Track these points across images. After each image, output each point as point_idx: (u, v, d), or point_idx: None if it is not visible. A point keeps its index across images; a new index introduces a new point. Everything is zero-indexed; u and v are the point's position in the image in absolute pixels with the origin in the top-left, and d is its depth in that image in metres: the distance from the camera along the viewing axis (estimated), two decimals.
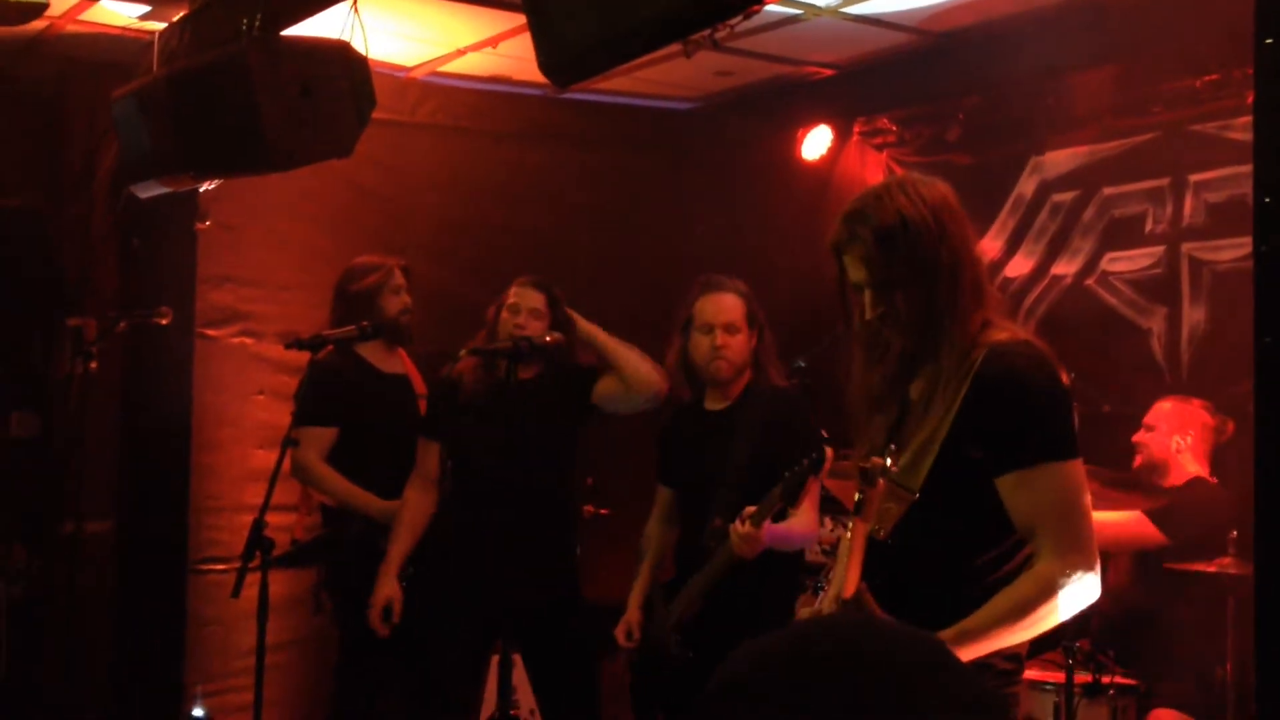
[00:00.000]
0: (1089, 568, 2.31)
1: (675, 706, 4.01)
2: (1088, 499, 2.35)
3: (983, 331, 2.42)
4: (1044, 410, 2.35)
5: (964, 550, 2.37)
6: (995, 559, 2.38)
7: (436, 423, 4.49)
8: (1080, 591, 2.31)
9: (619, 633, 4.11)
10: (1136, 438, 4.54)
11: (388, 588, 4.32)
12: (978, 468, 2.35)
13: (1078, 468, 2.36)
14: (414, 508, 4.46)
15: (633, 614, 4.10)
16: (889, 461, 2.35)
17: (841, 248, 2.45)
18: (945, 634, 2.28)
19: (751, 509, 3.65)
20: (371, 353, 4.75)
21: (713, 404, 4.04)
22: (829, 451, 3.61)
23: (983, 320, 2.44)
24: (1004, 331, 2.43)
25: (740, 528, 3.64)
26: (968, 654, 2.28)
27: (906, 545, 2.41)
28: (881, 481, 2.36)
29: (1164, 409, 4.53)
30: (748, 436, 3.89)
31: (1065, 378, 2.43)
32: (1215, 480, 4.48)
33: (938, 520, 2.39)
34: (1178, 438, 4.48)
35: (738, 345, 3.96)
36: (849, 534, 2.35)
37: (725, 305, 3.98)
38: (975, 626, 2.30)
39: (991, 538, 2.37)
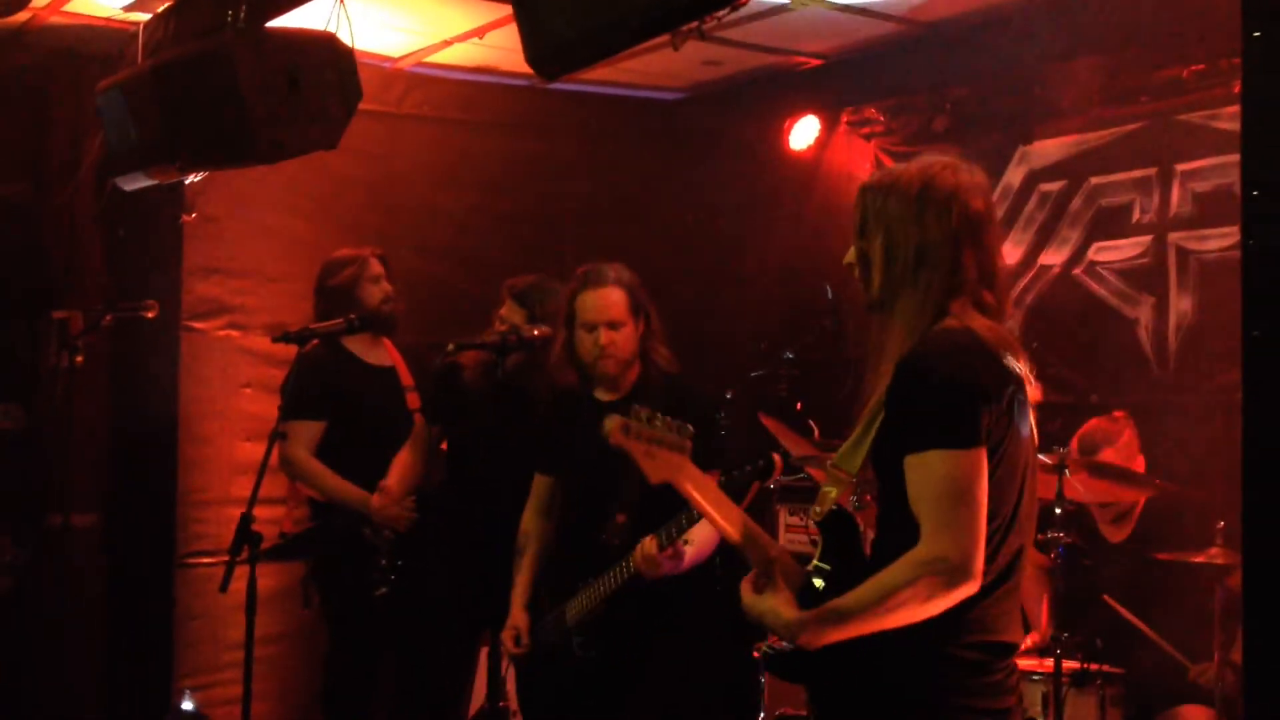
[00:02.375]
0: (960, 558, 2.28)
1: (578, 708, 3.87)
2: (976, 491, 2.31)
3: (939, 320, 2.42)
4: (937, 396, 2.33)
5: (901, 533, 2.36)
6: None
7: (435, 408, 4.48)
8: (943, 580, 2.28)
9: (506, 639, 3.88)
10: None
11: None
12: (895, 451, 2.37)
13: (969, 458, 2.31)
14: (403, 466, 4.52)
15: (519, 617, 3.90)
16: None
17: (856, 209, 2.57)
18: (816, 611, 2.32)
19: (652, 541, 3.53)
20: (358, 345, 4.75)
21: (604, 395, 3.88)
22: (777, 460, 3.43)
23: (955, 312, 2.43)
24: (956, 320, 2.42)
25: (649, 549, 3.53)
26: (835, 633, 2.31)
27: (876, 529, 2.44)
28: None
29: (1109, 458, 4.43)
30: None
31: (1011, 368, 2.39)
32: (1159, 481, 4.46)
33: (882, 504, 2.43)
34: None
35: (623, 340, 3.81)
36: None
37: (608, 302, 3.81)
38: (839, 606, 2.33)
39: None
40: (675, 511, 3.58)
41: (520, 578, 3.96)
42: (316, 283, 4.80)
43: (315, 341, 4.45)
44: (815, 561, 2.51)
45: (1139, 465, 4.49)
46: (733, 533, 2.44)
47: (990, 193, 2.56)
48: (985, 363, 2.37)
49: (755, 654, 5.11)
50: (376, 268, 4.80)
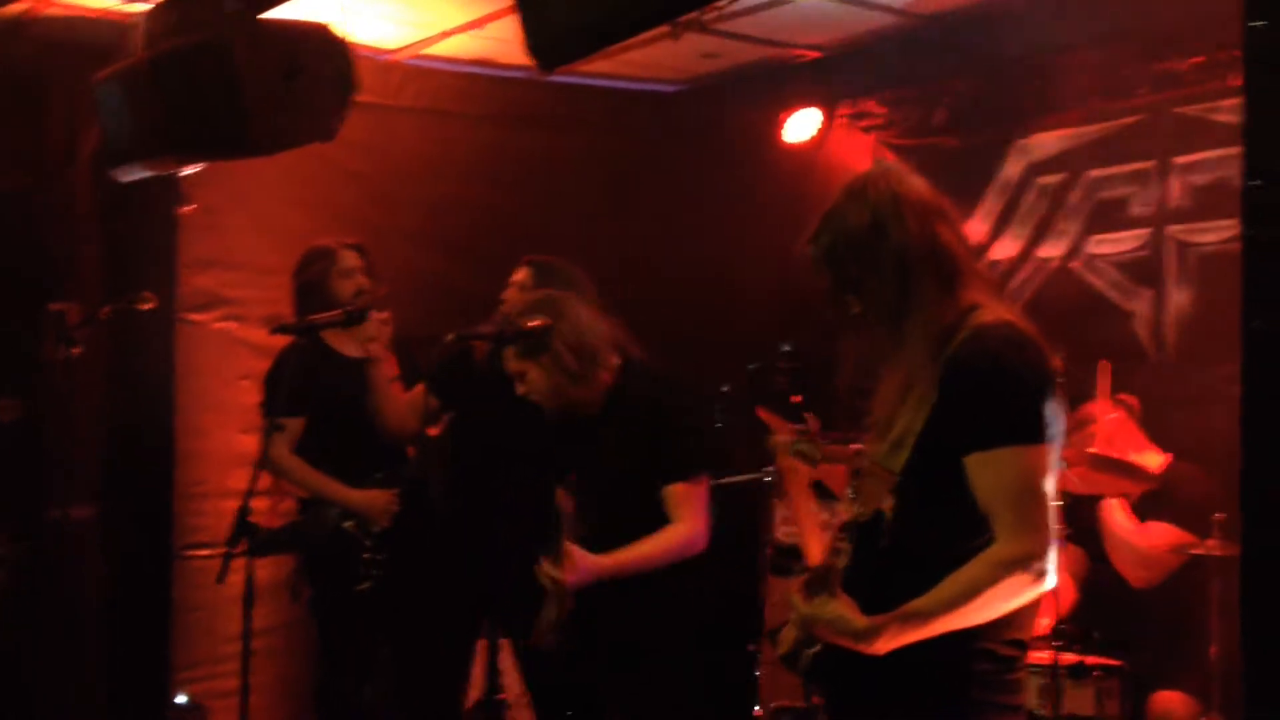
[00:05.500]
0: (1041, 555, 2.29)
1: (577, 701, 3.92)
2: (1048, 485, 2.33)
3: (969, 314, 2.42)
4: (1007, 392, 2.34)
5: (951, 535, 2.36)
6: (986, 544, 2.35)
7: (439, 383, 4.46)
8: (1031, 578, 2.29)
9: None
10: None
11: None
12: (952, 450, 2.35)
13: (1040, 453, 2.32)
14: None
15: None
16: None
17: (811, 262, 2.57)
18: (889, 615, 2.29)
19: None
20: (336, 338, 4.70)
21: (583, 412, 3.85)
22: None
23: (969, 303, 2.44)
24: (990, 314, 2.42)
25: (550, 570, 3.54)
26: (912, 636, 2.29)
27: (893, 529, 2.42)
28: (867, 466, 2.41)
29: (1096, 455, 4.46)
30: (618, 430, 3.70)
31: (1054, 361, 2.42)
32: (1171, 455, 4.48)
33: (922, 504, 2.40)
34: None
35: (532, 386, 3.75)
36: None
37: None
38: (920, 609, 2.30)
39: (980, 522, 2.35)
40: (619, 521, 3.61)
41: None
42: (292, 275, 4.77)
43: (290, 337, 4.42)
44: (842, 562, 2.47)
45: (1150, 447, 4.48)
46: (818, 555, 2.42)
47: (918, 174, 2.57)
48: (1038, 356, 2.38)
49: (750, 647, 5.12)
50: (348, 260, 4.73)
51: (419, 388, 4.58)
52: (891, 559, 2.42)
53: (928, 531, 2.39)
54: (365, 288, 4.71)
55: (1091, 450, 4.40)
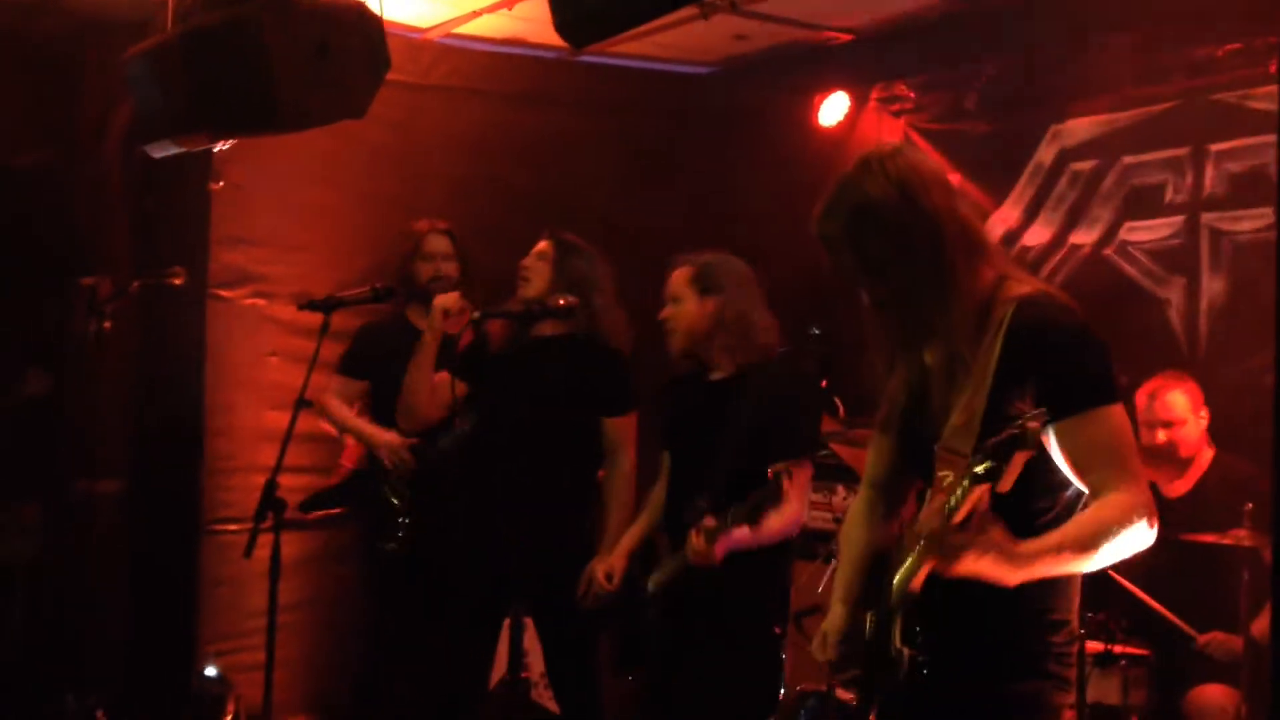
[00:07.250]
0: (1151, 510, 2.29)
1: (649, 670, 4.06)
2: (1134, 440, 2.33)
3: (1001, 287, 2.40)
4: (1082, 356, 2.33)
5: (1023, 506, 2.33)
6: (1055, 518, 2.36)
7: (462, 364, 4.48)
8: (1144, 529, 2.28)
9: (599, 573, 4.11)
10: (1168, 437, 4.46)
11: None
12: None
13: (1122, 410, 2.34)
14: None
15: (618, 560, 4.12)
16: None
17: (824, 243, 2.50)
18: (1032, 544, 2.24)
19: (710, 522, 3.62)
20: (417, 315, 4.78)
21: (715, 375, 4.00)
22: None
23: (997, 276, 2.42)
24: (1025, 285, 2.41)
25: (696, 542, 3.65)
26: (1041, 569, 2.26)
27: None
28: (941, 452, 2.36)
29: (1179, 401, 4.45)
30: (743, 412, 3.83)
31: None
32: (1216, 450, 4.46)
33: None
34: (1194, 419, 4.46)
35: (682, 313, 3.96)
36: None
37: (670, 279, 4.02)
38: (1053, 543, 2.26)
39: (1048, 492, 2.36)
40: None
41: (634, 529, 4.20)
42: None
43: (387, 304, 4.68)
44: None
45: (1204, 419, 4.48)
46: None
47: None
48: (1087, 321, 2.38)
49: (776, 630, 5.10)
50: (432, 245, 4.84)
51: (443, 375, 4.58)
52: None
53: (1002, 508, 2.33)
54: (440, 275, 4.78)
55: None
